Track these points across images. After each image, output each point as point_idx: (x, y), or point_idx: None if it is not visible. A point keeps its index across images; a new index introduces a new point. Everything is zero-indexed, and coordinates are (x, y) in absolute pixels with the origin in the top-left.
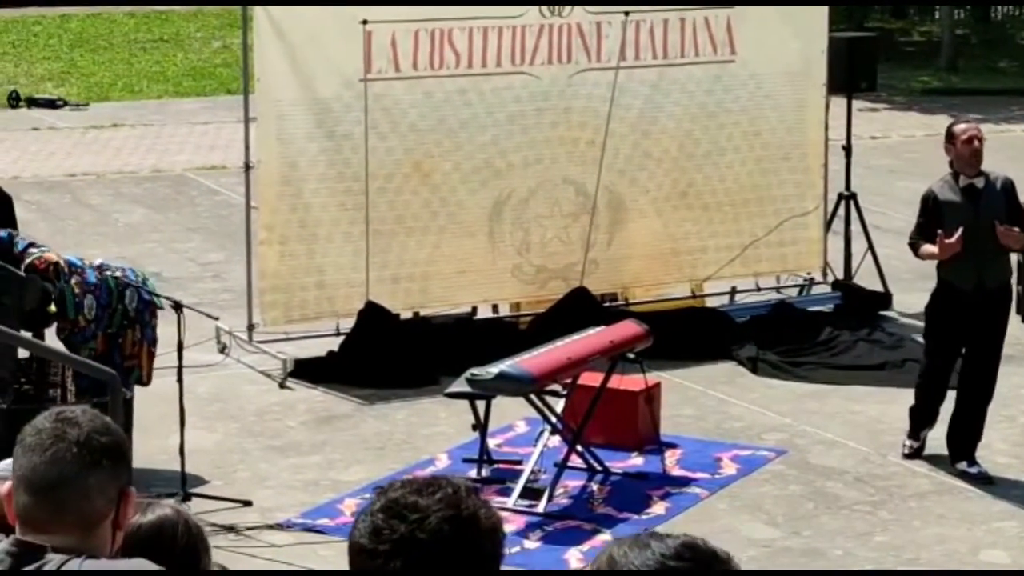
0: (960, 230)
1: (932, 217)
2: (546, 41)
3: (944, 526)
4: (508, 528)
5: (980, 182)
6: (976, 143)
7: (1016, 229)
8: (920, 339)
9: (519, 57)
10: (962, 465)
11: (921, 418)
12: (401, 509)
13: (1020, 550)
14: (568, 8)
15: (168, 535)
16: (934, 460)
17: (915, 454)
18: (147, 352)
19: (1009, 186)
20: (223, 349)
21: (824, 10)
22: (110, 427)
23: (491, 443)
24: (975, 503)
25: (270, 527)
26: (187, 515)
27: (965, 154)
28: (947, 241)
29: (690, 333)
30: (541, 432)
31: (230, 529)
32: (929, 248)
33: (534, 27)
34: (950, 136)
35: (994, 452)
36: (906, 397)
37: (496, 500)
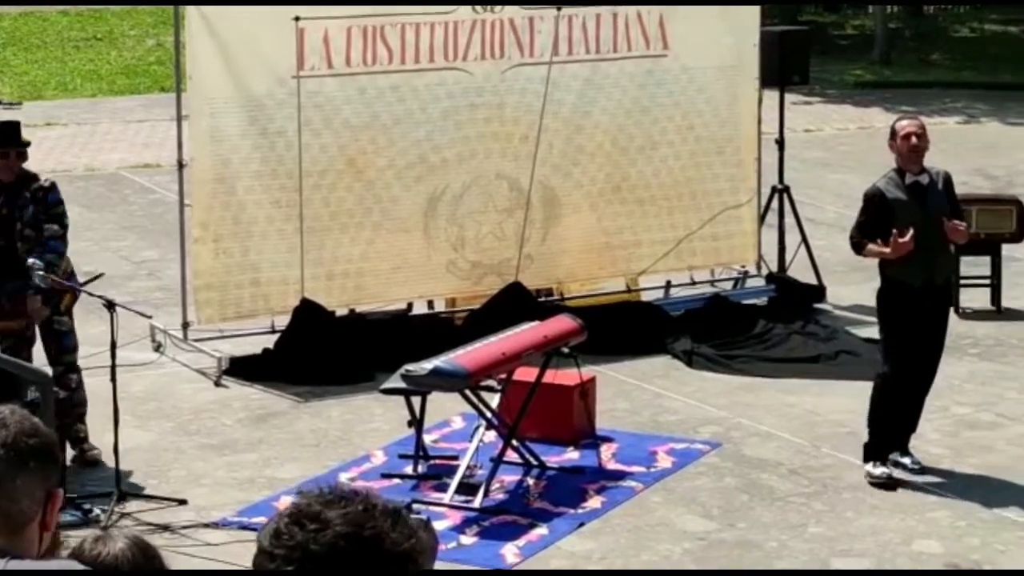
0: (911, 230)
1: (879, 215)
2: (479, 37)
3: (878, 517)
4: (445, 524)
5: (924, 179)
6: (914, 139)
7: (963, 224)
8: (854, 331)
9: (452, 53)
10: (896, 456)
11: (889, 433)
12: (303, 517)
13: (954, 540)
14: (500, 4)
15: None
16: None
17: (889, 482)
18: None
19: (948, 179)
20: (158, 348)
21: (756, 4)
22: (39, 429)
23: (427, 439)
24: (909, 494)
25: (205, 526)
26: (145, 548)
27: (904, 150)
28: (901, 240)
29: (625, 327)
30: (477, 427)
31: (165, 528)
32: (878, 247)
33: (466, 23)
34: (892, 132)
35: (927, 443)
36: (840, 389)
37: (432, 496)
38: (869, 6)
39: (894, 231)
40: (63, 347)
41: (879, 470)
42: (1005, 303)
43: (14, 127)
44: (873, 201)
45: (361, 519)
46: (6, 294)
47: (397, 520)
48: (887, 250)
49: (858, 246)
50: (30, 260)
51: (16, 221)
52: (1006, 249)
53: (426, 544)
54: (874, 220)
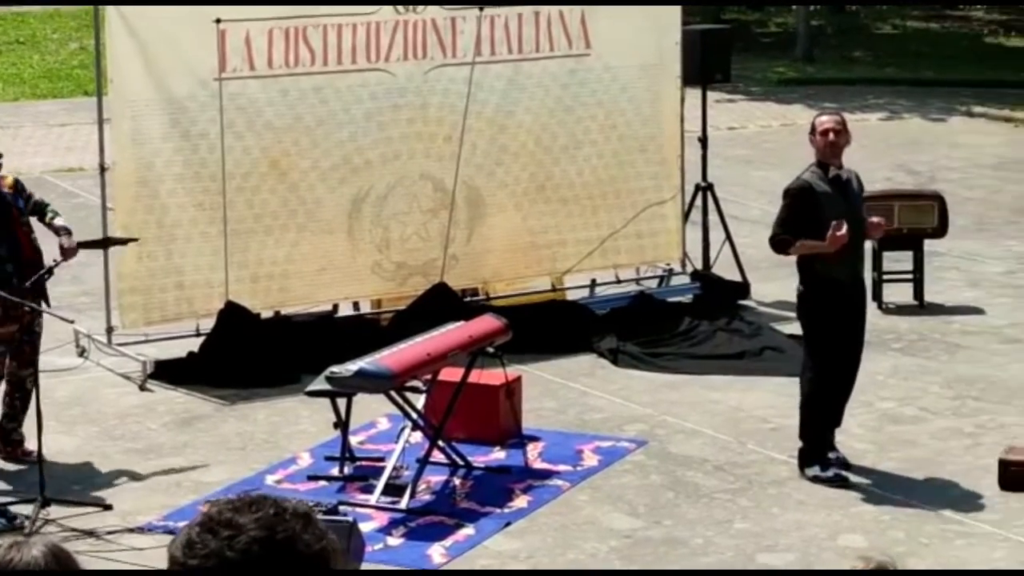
0: (845, 223)
1: (806, 210)
2: (401, 37)
3: (803, 512)
4: (371, 525)
5: (844, 173)
6: (832, 135)
7: (883, 220)
8: (778, 328)
9: (374, 54)
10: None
11: (824, 434)
12: (216, 525)
13: (878, 534)
14: (422, 4)
15: None
16: (793, 447)
17: (842, 479)
18: None
19: (859, 178)
20: (82, 352)
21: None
22: None
23: (353, 441)
24: (833, 489)
25: (131, 530)
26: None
27: (822, 146)
28: (839, 233)
29: (551, 326)
30: (402, 429)
31: (90, 534)
32: (812, 242)
33: (389, 23)
34: (811, 128)
35: (851, 438)
36: (765, 385)
37: (359, 497)
38: (792, 4)
39: (833, 223)
40: (36, 349)
41: (828, 472)
42: (927, 298)
43: None
44: (801, 195)
45: (273, 523)
46: None
47: (308, 522)
48: (823, 244)
49: (783, 243)
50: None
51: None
52: (928, 244)
53: (336, 545)
54: (800, 215)
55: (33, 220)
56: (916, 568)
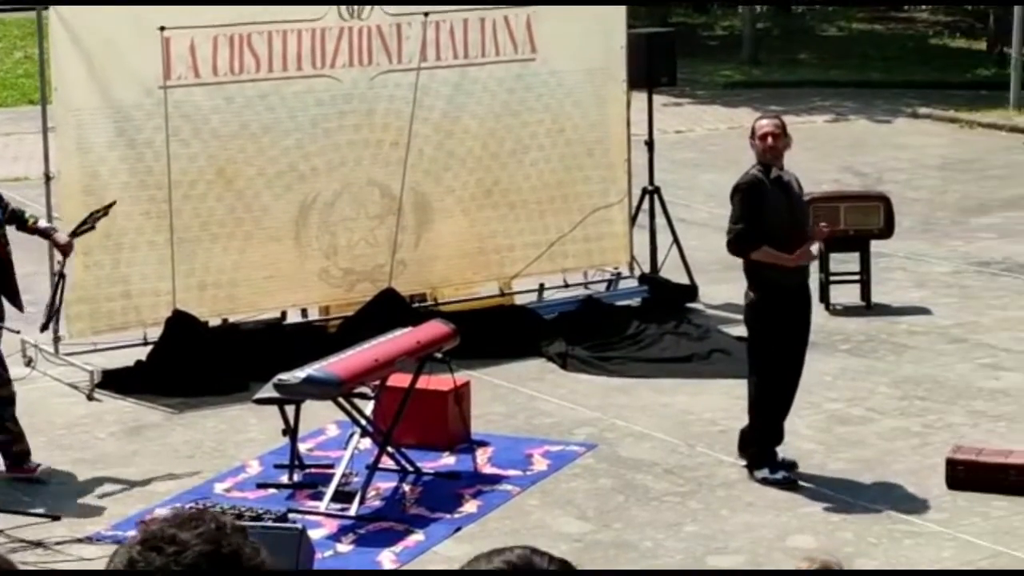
0: (816, 244)
1: (757, 203)
2: (346, 43)
3: (752, 513)
4: (321, 532)
5: (786, 176)
6: (771, 139)
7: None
8: (726, 330)
9: (320, 60)
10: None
11: (773, 438)
12: (159, 542)
13: (827, 534)
14: (367, 10)
15: None
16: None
17: (791, 481)
18: None
19: (799, 181)
20: (29, 363)
21: (622, 7)
22: None
23: (302, 448)
24: (782, 490)
25: (79, 541)
26: (3, 567)
27: (762, 149)
28: (811, 249)
29: (499, 331)
30: (351, 435)
31: (38, 544)
32: (775, 252)
33: (334, 29)
34: (752, 131)
35: (800, 439)
36: (713, 387)
37: (308, 505)
38: (738, 7)
39: (820, 225)
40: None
41: (779, 474)
42: (874, 299)
43: None
44: (751, 189)
45: (217, 537)
46: None
47: (246, 535)
48: (788, 257)
49: (746, 241)
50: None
51: None
52: (875, 245)
53: (267, 557)
54: (753, 209)
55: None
56: (865, 568)
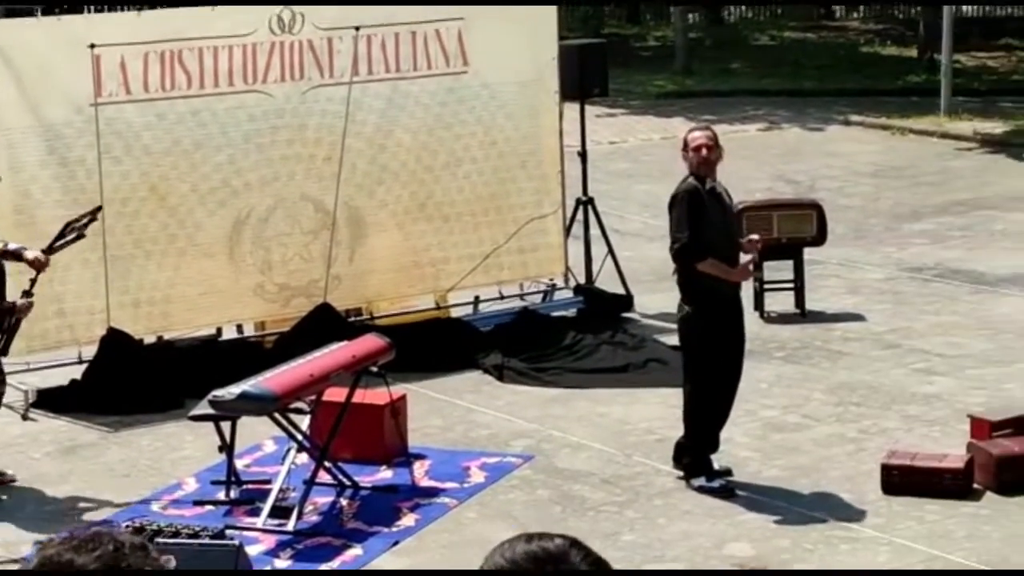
0: (751, 258)
1: (696, 210)
2: (278, 58)
3: (689, 522)
4: (258, 548)
5: (718, 187)
6: (704, 151)
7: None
8: (661, 339)
9: (251, 75)
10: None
11: (709, 446)
12: (56, 567)
13: (763, 541)
14: (299, 25)
15: None
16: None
17: (728, 489)
18: None
19: (730, 194)
20: None
21: (553, 18)
22: None
23: (239, 464)
24: (719, 498)
25: (15, 561)
26: None
27: (695, 162)
28: (749, 268)
29: (435, 344)
30: (288, 450)
31: None
32: (721, 265)
33: (265, 45)
34: (684, 144)
35: (736, 446)
36: (649, 397)
37: (245, 521)
38: (671, 17)
39: (753, 240)
40: None
41: (716, 483)
42: (808, 306)
43: None
44: (690, 197)
45: (114, 559)
46: None
47: (147, 553)
48: (733, 272)
49: (692, 251)
50: None
51: None
52: (808, 253)
53: (172, 565)
54: (693, 216)
55: None
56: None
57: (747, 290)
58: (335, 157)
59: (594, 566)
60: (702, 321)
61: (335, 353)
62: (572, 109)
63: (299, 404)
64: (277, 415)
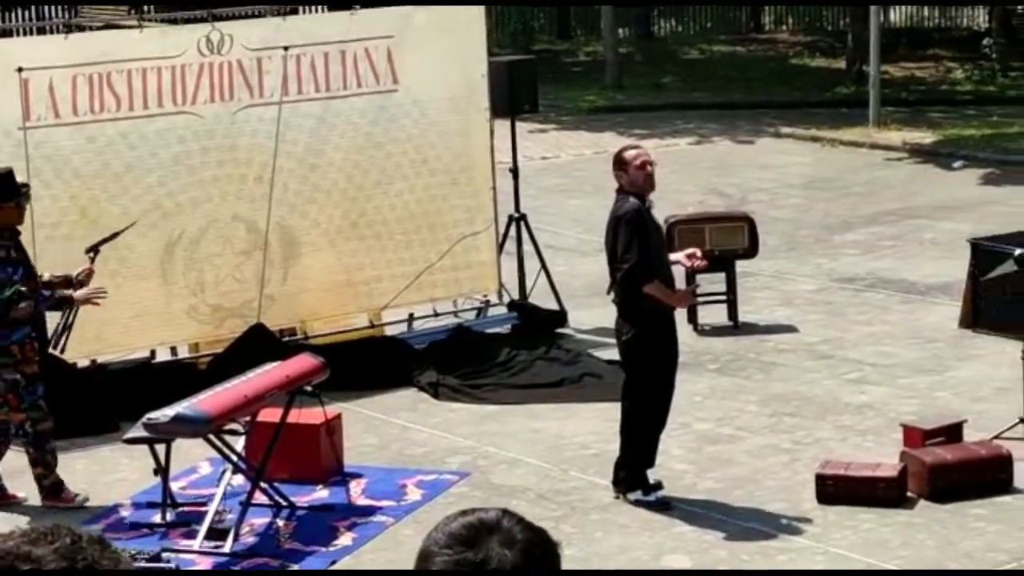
0: (695, 287)
1: (645, 236)
2: (207, 79)
3: (626, 535)
4: (195, 570)
5: (649, 204)
6: (649, 167)
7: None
8: (596, 354)
9: (181, 97)
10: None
11: (646, 461)
12: (13, 560)
13: (701, 553)
14: (227, 45)
15: None
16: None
17: (664, 502)
18: None
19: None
20: None
21: (482, 35)
22: None
23: (174, 486)
24: (655, 512)
25: None
26: None
27: (640, 179)
28: (687, 294)
29: (370, 362)
30: (223, 472)
31: None
32: (664, 289)
33: (194, 66)
34: (621, 162)
35: (671, 459)
36: (584, 411)
37: (182, 543)
38: (601, 33)
39: (687, 289)
40: None
41: (652, 496)
42: (742, 317)
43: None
44: (637, 219)
45: (72, 552)
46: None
47: (105, 547)
48: (674, 297)
49: (643, 277)
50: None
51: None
52: (740, 265)
53: (132, 565)
54: (643, 241)
55: None
56: None
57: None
58: (266, 177)
59: (528, 531)
60: (644, 341)
61: (269, 373)
62: (503, 126)
63: (234, 425)
64: (212, 437)
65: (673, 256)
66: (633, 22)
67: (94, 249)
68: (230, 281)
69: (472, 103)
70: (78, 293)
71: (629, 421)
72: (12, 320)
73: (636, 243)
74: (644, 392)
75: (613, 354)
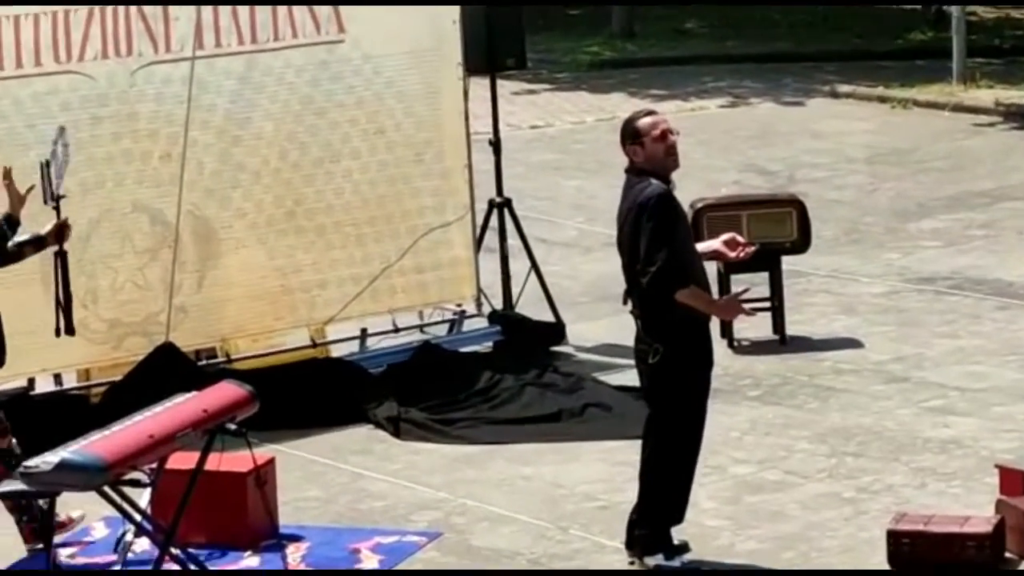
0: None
1: (675, 228)
2: (98, 30)
3: None
4: None
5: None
6: (672, 136)
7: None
8: (603, 378)
9: (65, 52)
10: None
11: (671, 516)
12: None
13: None
14: None
15: None
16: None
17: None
18: None
19: None
20: None
21: None
22: None
23: (62, 554)
24: None
25: None
26: None
27: (660, 154)
28: (736, 299)
29: (311, 391)
30: (123, 535)
31: None
32: (703, 295)
33: (80, 13)
34: (634, 133)
35: (701, 513)
36: (588, 452)
37: None
38: None
39: (735, 293)
40: None
41: (676, 561)
42: (790, 330)
43: None
44: (668, 208)
45: None
46: None
47: None
48: (717, 303)
49: (676, 282)
50: None
51: None
52: (787, 262)
53: None
54: (672, 235)
55: None
56: None
57: None
58: (176, 154)
59: None
60: (678, 364)
61: (181, 407)
62: (481, 86)
63: (136, 474)
64: (108, 489)
65: (703, 245)
66: None
67: (52, 196)
68: (130, 288)
69: (441, 58)
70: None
71: (651, 465)
72: None
73: (666, 239)
74: (675, 429)
75: (623, 378)
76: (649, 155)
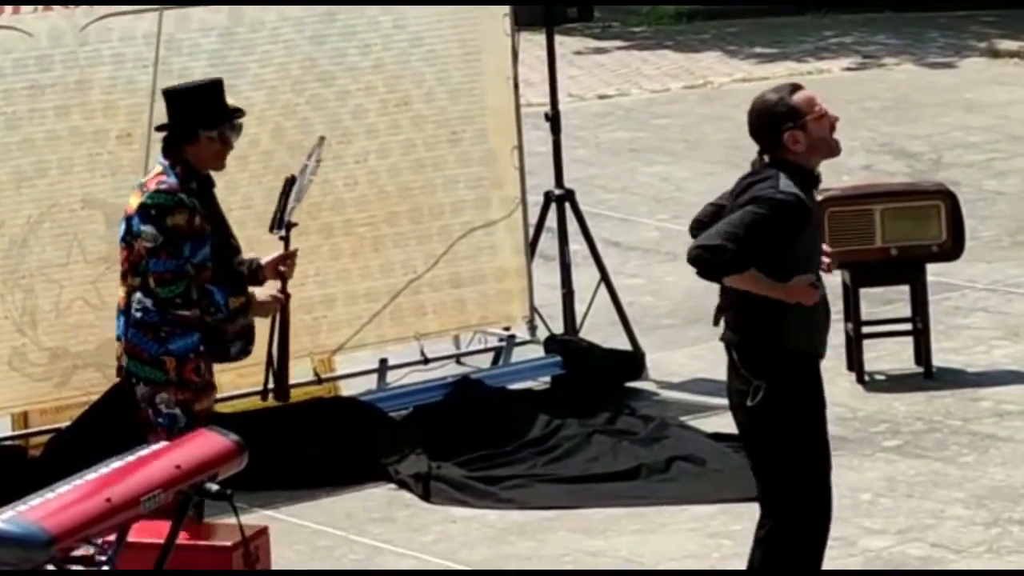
0: (827, 263)
1: (784, 236)
2: None
3: None
4: None
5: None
6: (832, 113)
7: None
8: (693, 423)
9: None
10: None
11: None
12: None
13: None
14: None
15: None
16: None
17: None
18: None
19: None
20: None
21: None
22: None
23: None
24: None
25: None
26: None
27: (821, 136)
28: (814, 287)
29: (316, 442)
30: None
31: None
32: (765, 280)
33: None
34: (794, 114)
35: None
36: (676, 519)
37: None
38: None
39: (802, 277)
40: None
41: None
42: (938, 360)
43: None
44: (792, 214)
45: None
46: None
47: None
48: (788, 287)
49: (730, 264)
50: None
51: None
52: (933, 271)
53: None
54: (772, 240)
55: None
56: None
57: (837, 335)
58: (138, 134)
59: None
60: (781, 403)
61: (147, 462)
62: (535, 44)
63: (88, 549)
64: (53, 568)
65: None
66: None
67: (282, 223)
68: (80, 308)
69: (482, 8)
70: (259, 292)
71: (774, 547)
72: (177, 319)
73: (758, 241)
74: (790, 489)
75: (719, 422)
76: (814, 141)
